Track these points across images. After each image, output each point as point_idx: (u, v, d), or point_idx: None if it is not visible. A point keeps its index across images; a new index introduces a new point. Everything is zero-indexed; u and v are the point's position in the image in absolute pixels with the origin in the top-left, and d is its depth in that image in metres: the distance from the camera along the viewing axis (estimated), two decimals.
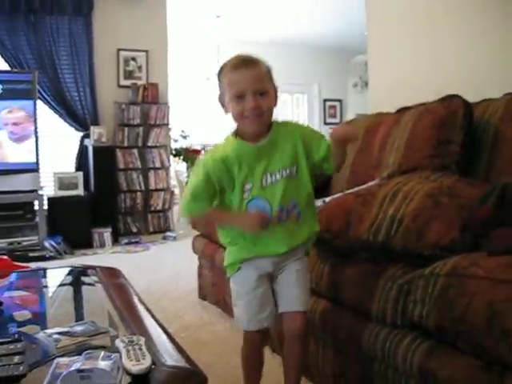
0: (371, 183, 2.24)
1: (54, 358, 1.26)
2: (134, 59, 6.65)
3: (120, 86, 6.58)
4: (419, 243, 1.66)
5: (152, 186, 6.64)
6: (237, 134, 1.72)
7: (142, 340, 1.30)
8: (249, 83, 1.60)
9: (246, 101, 1.61)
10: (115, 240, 6.08)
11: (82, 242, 5.78)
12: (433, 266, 1.53)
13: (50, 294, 2.32)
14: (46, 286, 2.45)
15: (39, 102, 5.79)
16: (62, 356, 1.30)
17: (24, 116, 5.52)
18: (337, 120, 10.33)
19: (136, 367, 1.16)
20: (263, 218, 1.67)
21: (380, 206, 1.84)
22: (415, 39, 4.07)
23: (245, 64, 1.63)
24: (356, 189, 2.14)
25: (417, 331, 1.54)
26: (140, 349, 1.24)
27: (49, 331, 1.51)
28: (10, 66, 5.86)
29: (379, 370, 1.71)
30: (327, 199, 1.86)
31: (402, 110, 2.68)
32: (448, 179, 1.94)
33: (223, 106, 1.70)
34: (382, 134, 2.68)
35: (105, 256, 5.39)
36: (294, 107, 10.60)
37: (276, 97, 1.71)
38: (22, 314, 1.84)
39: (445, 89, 2.43)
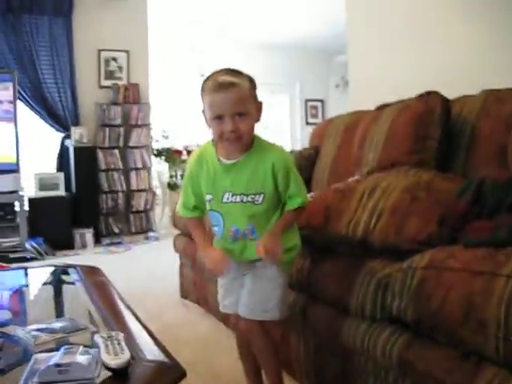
0: (350, 179, 2.25)
1: (32, 354, 1.26)
2: (114, 59, 6.63)
3: (101, 87, 6.56)
4: (397, 238, 1.67)
5: (134, 186, 6.62)
6: (216, 144, 1.74)
7: (121, 335, 1.30)
8: (227, 106, 1.59)
9: (225, 123, 1.60)
10: (97, 241, 6.06)
11: (64, 243, 5.75)
12: (411, 259, 1.54)
13: (30, 293, 2.30)
14: (26, 285, 2.44)
15: (19, 103, 5.74)
16: (41, 352, 1.30)
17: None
18: (318, 120, 10.34)
19: (114, 361, 1.16)
20: (222, 262, 1.73)
21: (359, 201, 1.86)
22: (394, 38, 4.11)
23: (222, 87, 1.60)
24: (336, 185, 2.16)
25: (395, 324, 1.56)
26: (119, 344, 1.24)
27: (28, 328, 1.51)
28: None
29: (359, 363, 1.73)
30: (308, 195, 1.86)
31: (381, 108, 2.69)
32: (426, 174, 1.96)
33: (206, 120, 1.69)
34: (362, 131, 2.69)
35: (86, 257, 5.36)
36: (275, 107, 10.61)
37: (259, 112, 1.70)
38: (2, 313, 1.83)
39: (424, 87, 2.45)
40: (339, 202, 1.92)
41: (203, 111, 1.68)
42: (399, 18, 4.08)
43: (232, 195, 1.70)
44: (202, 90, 1.66)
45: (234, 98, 1.59)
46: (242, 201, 1.70)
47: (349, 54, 4.86)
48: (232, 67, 1.69)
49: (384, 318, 1.60)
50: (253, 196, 1.69)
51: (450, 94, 2.38)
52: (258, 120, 1.69)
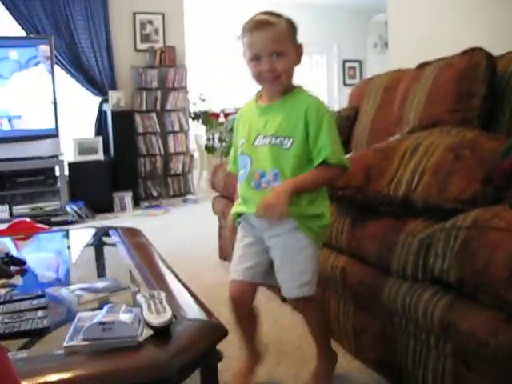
0: (391, 139, 2.21)
1: (76, 313, 1.28)
2: (150, 22, 6.59)
3: (137, 50, 6.55)
4: (440, 197, 1.64)
5: (171, 149, 6.65)
6: (259, 93, 1.78)
7: (163, 295, 1.31)
8: (263, 45, 1.60)
9: (262, 63, 1.61)
10: (136, 204, 6.13)
11: (103, 207, 5.84)
12: (454, 219, 1.50)
13: (72, 255, 2.35)
14: (68, 247, 2.49)
15: (56, 68, 5.78)
16: (85, 311, 1.32)
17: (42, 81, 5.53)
18: (356, 81, 10.17)
19: (157, 320, 1.17)
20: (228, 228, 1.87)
21: (400, 160, 1.82)
22: None
23: (260, 26, 1.61)
24: (376, 144, 2.11)
25: (438, 285, 1.53)
26: (160, 303, 1.26)
27: (71, 287, 1.54)
28: (26, 32, 5.84)
29: (400, 325, 1.71)
30: (347, 156, 1.83)
31: (423, 66, 2.62)
32: (469, 133, 1.90)
33: (248, 64, 1.70)
34: (402, 90, 2.63)
35: (126, 219, 5.44)
36: (312, 68, 10.46)
37: (299, 55, 1.68)
38: (46, 274, 1.87)
39: (468, 45, 2.36)
40: (380, 162, 1.88)
41: (244, 55, 1.68)
42: None
43: (263, 137, 1.68)
44: (242, 31, 1.66)
45: (270, 37, 1.59)
46: (270, 142, 1.66)
47: (388, 13, 4.73)
48: (271, 11, 1.68)
49: (426, 278, 1.58)
50: (282, 139, 1.65)
51: (496, 51, 2.29)
52: (297, 63, 1.68)
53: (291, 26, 1.66)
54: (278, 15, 1.65)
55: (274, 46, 1.60)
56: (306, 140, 1.64)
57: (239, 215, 1.81)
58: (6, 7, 5.74)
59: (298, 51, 1.67)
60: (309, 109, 1.64)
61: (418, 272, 1.60)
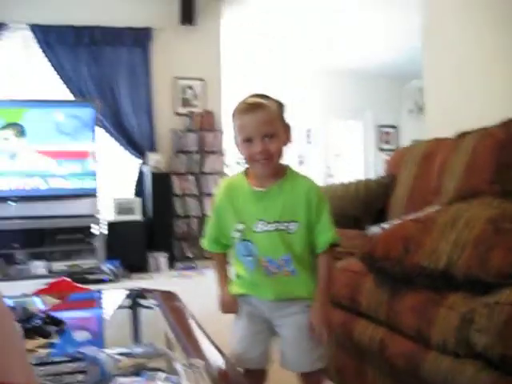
0: (430, 209, 2.20)
1: (114, 377, 1.28)
2: (190, 87, 6.80)
3: (177, 114, 6.73)
4: (481, 270, 1.61)
5: (208, 211, 6.70)
6: (247, 173, 1.74)
7: (201, 364, 1.31)
8: (256, 128, 1.61)
9: (255, 145, 1.61)
10: (171, 265, 6.15)
11: (139, 267, 5.89)
12: (497, 294, 1.48)
13: (108, 316, 2.36)
14: (104, 308, 2.50)
15: (100, 130, 5.97)
16: (123, 376, 1.32)
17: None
18: (391, 146, 10.21)
19: None
20: (230, 308, 1.80)
21: (441, 232, 1.81)
22: (473, 63, 4.02)
23: (252, 108, 1.62)
24: (415, 215, 2.11)
25: (480, 361, 1.49)
26: (200, 372, 1.25)
27: (109, 351, 1.54)
28: (73, 95, 6.08)
29: None
30: (385, 225, 1.83)
31: (461, 135, 2.63)
32: (510, 205, 1.89)
33: (238, 146, 1.70)
34: (441, 159, 2.64)
35: (161, 280, 5.46)
36: (347, 133, 10.56)
37: (288, 134, 1.70)
38: (82, 334, 1.88)
39: (507, 114, 2.38)
40: (420, 233, 1.87)
41: (235, 138, 1.70)
42: (478, 42, 3.99)
43: (266, 224, 1.66)
44: (233, 114, 1.68)
45: (262, 119, 1.61)
46: (276, 229, 1.65)
47: (425, 80, 4.79)
48: (262, 93, 1.71)
49: (468, 354, 1.54)
50: (287, 224, 1.66)
51: None
52: (286, 143, 1.69)
53: (280, 106, 1.69)
54: (266, 96, 1.68)
55: (267, 128, 1.61)
56: (308, 221, 1.67)
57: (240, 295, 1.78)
58: (56, 72, 6.00)
59: (286, 130, 1.69)
60: (310, 191, 1.69)
61: (459, 347, 1.57)
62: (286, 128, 1.69)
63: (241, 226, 1.69)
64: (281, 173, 1.71)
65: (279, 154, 1.66)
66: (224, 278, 1.83)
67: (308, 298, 1.71)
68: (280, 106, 1.69)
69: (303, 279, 1.70)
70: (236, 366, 1.64)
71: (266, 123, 1.61)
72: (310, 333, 1.68)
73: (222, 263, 1.84)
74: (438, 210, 2.08)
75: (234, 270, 1.79)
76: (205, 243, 1.84)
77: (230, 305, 1.79)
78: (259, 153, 1.61)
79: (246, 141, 1.63)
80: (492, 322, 1.42)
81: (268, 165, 1.64)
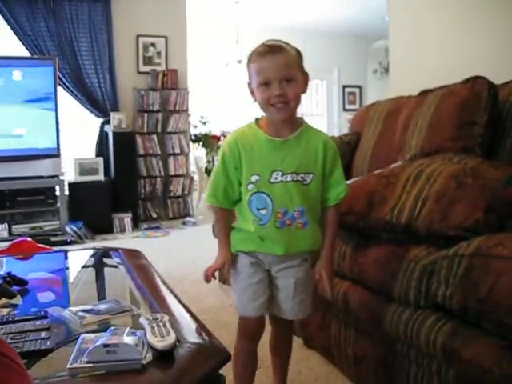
0: (394, 165, 2.22)
1: (79, 335, 1.28)
2: (153, 45, 6.66)
3: (139, 72, 6.60)
4: (443, 224, 1.64)
5: (172, 171, 6.67)
6: (258, 124, 1.69)
7: (166, 318, 1.31)
8: (274, 70, 1.56)
9: (272, 88, 1.57)
10: (135, 225, 6.12)
11: (103, 227, 5.83)
12: (457, 246, 1.51)
13: (73, 275, 2.35)
14: (68, 268, 2.48)
15: (59, 88, 5.82)
16: (88, 333, 1.32)
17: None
18: (356, 106, 10.25)
19: (161, 343, 1.17)
20: (227, 272, 1.76)
21: (403, 187, 1.83)
22: (439, 23, 4.02)
23: (271, 51, 1.57)
24: (379, 171, 2.13)
25: (440, 312, 1.54)
26: (164, 326, 1.25)
27: (74, 309, 1.53)
28: (30, 52, 5.89)
29: (402, 351, 1.71)
30: (349, 182, 1.84)
31: (425, 93, 2.65)
32: (472, 161, 1.92)
33: (252, 93, 1.66)
34: (404, 117, 2.65)
35: (125, 241, 5.43)
36: (312, 93, 10.54)
37: (305, 83, 1.66)
38: (46, 295, 1.86)
39: (469, 73, 2.39)
40: (383, 188, 1.89)
41: (248, 83, 1.65)
42: (443, 2, 3.99)
43: (282, 174, 1.62)
44: (249, 59, 1.63)
45: (281, 62, 1.56)
46: (293, 180, 1.62)
47: (390, 40, 4.79)
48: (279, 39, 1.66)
49: (428, 305, 1.58)
50: (303, 175, 1.64)
51: (496, 79, 2.32)
52: (304, 91, 1.65)
53: (299, 55, 1.65)
54: (286, 43, 1.63)
55: (286, 72, 1.57)
56: (323, 173, 1.68)
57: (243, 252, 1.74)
58: (12, 28, 5.80)
59: (305, 80, 1.65)
60: (327, 144, 1.68)
61: (420, 298, 1.61)
62: (304, 76, 1.65)
63: (255, 178, 1.64)
64: (297, 123, 1.68)
65: (297, 100, 1.61)
66: (228, 238, 1.76)
67: (310, 251, 1.73)
68: (299, 53, 1.65)
69: (313, 232, 1.69)
70: (246, 314, 1.71)
71: (286, 66, 1.57)
72: (316, 282, 1.73)
73: (227, 222, 1.78)
74: (402, 165, 2.10)
75: (238, 225, 1.74)
76: (210, 198, 1.74)
77: (226, 268, 1.74)
78: (277, 96, 1.56)
79: (263, 84, 1.58)
80: (451, 273, 1.46)
81: (285, 110, 1.60)
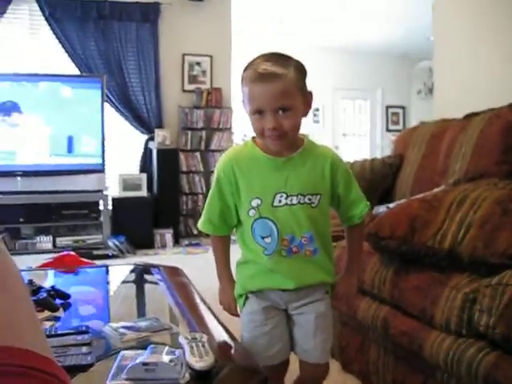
0: (437, 189, 2.19)
1: (119, 351, 1.30)
2: (198, 64, 6.75)
3: (184, 91, 6.69)
4: (487, 251, 1.61)
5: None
6: (256, 142, 1.53)
7: (205, 338, 1.32)
8: (268, 100, 1.38)
9: (266, 119, 1.39)
10: (176, 241, 6.17)
11: (144, 243, 5.90)
12: (501, 275, 1.48)
13: (113, 291, 2.38)
14: (109, 283, 2.52)
15: (106, 105, 5.95)
16: (127, 349, 1.34)
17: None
18: (399, 127, 10.16)
19: (199, 363, 1.18)
20: (234, 308, 1.61)
21: (446, 212, 1.80)
22: (483, 45, 3.97)
23: (263, 78, 1.37)
24: (421, 195, 2.10)
25: (483, 341, 1.50)
26: (203, 346, 1.26)
27: (114, 325, 1.55)
28: (80, 70, 6.05)
29: (442, 380, 1.68)
30: (391, 205, 1.82)
31: (470, 116, 2.62)
32: None
33: (247, 112, 1.48)
34: (449, 140, 2.62)
35: (166, 256, 5.48)
36: (356, 113, 10.51)
37: (308, 104, 1.49)
38: (88, 309, 1.90)
39: None
40: (426, 213, 1.87)
41: (243, 104, 1.47)
42: (489, 24, 3.94)
43: (286, 196, 1.46)
44: (242, 78, 1.45)
45: (276, 91, 1.37)
46: (299, 202, 1.46)
47: (434, 60, 4.75)
48: (278, 52, 1.47)
49: (470, 334, 1.55)
50: (310, 197, 1.47)
51: None
52: (305, 115, 1.48)
53: (300, 73, 1.45)
54: (285, 60, 1.43)
55: (281, 101, 1.38)
56: (330, 193, 1.53)
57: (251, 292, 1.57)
58: (63, 47, 5.97)
59: (306, 100, 1.47)
60: (334, 162, 1.52)
61: (462, 327, 1.58)
62: (306, 96, 1.47)
63: (256, 202, 1.47)
64: (298, 141, 1.52)
65: (295, 129, 1.45)
66: (227, 267, 1.64)
67: (327, 282, 1.57)
68: (299, 70, 1.45)
69: (324, 260, 1.53)
70: (262, 363, 1.45)
71: (281, 95, 1.37)
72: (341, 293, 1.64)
73: (225, 246, 1.64)
74: (445, 190, 2.07)
75: (243, 256, 1.60)
76: (205, 226, 1.60)
77: (232, 305, 1.62)
78: (271, 129, 1.39)
79: (257, 113, 1.41)
80: (495, 303, 1.43)
81: (281, 141, 1.43)
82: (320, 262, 1.53)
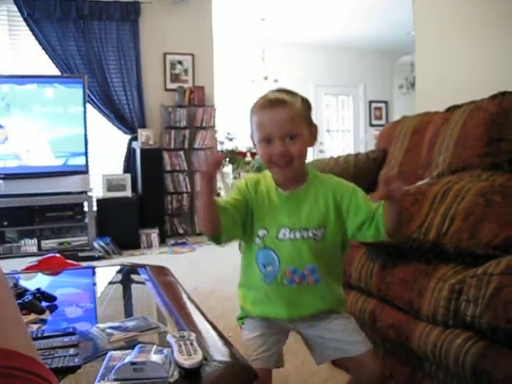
0: (421, 182, 2.21)
1: (107, 351, 1.29)
2: (180, 62, 6.73)
3: (167, 90, 6.67)
4: (471, 242, 1.63)
5: (198, 187, 6.68)
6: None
7: (193, 336, 1.31)
8: (276, 126, 1.44)
9: (274, 145, 1.45)
10: (162, 241, 6.16)
11: (130, 243, 5.88)
12: (486, 265, 1.49)
13: (100, 291, 2.37)
14: (96, 284, 2.51)
15: (89, 106, 5.91)
16: (115, 349, 1.33)
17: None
18: (382, 122, 10.23)
19: (188, 361, 1.17)
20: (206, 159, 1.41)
21: (430, 204, 1.82)
22: (465, 37, 4.00)
23: (273, 104, 1.45)
24: (405, 188, 2.11)
25: (470, 332, 1.51)
26: (191, 344, 1.25)
27: (101, 326, 1.55)
28: (60, 71, 6.01)
29: (430, 371, 1.69)
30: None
31: (452, 109, 2.63)
32: (500, 178, 1.89)
33: (254, 145, 1.55)
34: (431, 133, 2.64)
35: (152, 256, 5.47)
36: (339, 109, 10.55)
37: (313, 137, 1.54)
38: (75, 310, 1.89)
39: (497, 88, 2.37)
40: (410, 206, 1.88)
41: (251, 136, 1.54)
42: (469, 17, 3.97)
43: (290, 231, 1.50)
44: (251, 110, 1.53)
45: (284, 117, 1.44)
46: (302, 237, 1.50)
47: (416, 55, 4.77)
48: (286, 88, 1.56)
49: (457, 325, 1.56)
50: (313, 231, 1.50)
51: None
52: (311, 145, 1.53)
53: (307, 106, 1.53)
54: (293, 93, 1.51)
55: (289, 128, 1.44)
56: (336, 225, 1.53)
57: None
58: (43, 47, 5.92)
59: (312, 132, 1.53)
60: (336, 190, 1.53)
61: (448, 318, 1.59)
62: (312, 129, 1.53)
63: (263, 232, 1.52)
64: (304, 174, 1.56)
65: (302, 157, 1.49)
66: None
67: (336, 303, 1.59)
68: (307, 104, 1.53)
69: (328, 288, 1.55)
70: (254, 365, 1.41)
71: (288, 122, 1.44)
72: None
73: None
74: (429, 182, 2.08)
75: (244, 277, 1.65)
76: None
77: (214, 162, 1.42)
78: (278, 155, 1.44)
79: (265, 140, 1.47)
80: (481, 293, 1.44)
81: (288, 169, 1.48)
82: (320, 291, 1.53)
